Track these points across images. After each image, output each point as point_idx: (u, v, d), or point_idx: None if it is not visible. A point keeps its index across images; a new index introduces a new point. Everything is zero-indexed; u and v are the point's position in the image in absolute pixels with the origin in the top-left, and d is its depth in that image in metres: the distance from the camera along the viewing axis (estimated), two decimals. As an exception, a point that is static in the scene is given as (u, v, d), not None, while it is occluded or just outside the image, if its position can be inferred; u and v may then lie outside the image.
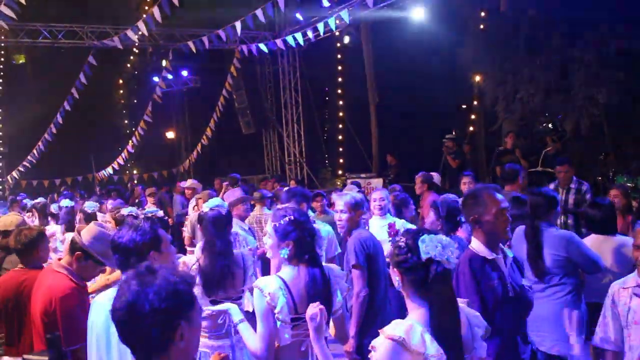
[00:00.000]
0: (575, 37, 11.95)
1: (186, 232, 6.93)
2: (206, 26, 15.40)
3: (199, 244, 4.08)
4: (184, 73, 18.24)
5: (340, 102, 17.68)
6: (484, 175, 12.42)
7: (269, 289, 2.76)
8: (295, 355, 2.81)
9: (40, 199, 9.13)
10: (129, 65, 20.48)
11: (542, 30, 12.29)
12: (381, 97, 16.15)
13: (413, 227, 4.59)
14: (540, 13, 12.42)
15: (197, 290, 3.79)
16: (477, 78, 14.64)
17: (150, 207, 7.66)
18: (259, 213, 7.09)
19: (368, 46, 15.80)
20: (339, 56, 17.47)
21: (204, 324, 3.70)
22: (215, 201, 4.45)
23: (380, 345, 2.05)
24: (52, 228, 6.94)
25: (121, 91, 22.65)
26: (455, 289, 3.08)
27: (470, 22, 14.35)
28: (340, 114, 17.71)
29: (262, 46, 14.15)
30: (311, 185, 16.13)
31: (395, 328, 2.06)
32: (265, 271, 5.62)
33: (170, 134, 19.84)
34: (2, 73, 19.91)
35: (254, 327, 2.86)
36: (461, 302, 2.28)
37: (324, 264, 2.99)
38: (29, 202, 10.01)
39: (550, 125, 12.82)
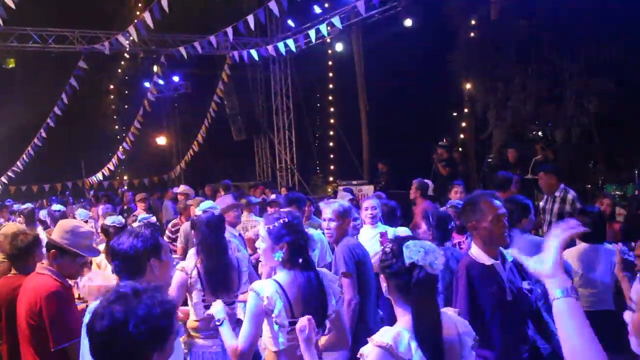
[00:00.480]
0: (566, 47, 12.05)
1: (179, 242, 6.77)
2: (198, 32, 15.39)
3: (192, 250, 4.05)
4: (176, 79, 18.20)
5: (332, 109, 17.73)
6: (474, 184, 12.45)
7: (266, 292, 2.74)
8: (293, 357, 2.78)
9: (28, 205, 9.04)
10: (119, 70, 20.41)
11: (533, 39, 12.38)
12: (372, 104, 16.18)
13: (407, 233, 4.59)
14: (531, 22, 12.51)
15: (196, 296, 3.77)
16: (468, 86, 14.71)
17: (141, 213, 7.61)
18: (246, 219, 7.06)
19: (359, 53, 15.84)
20: (330, 63, 17.52)
21: (196, 325, 3.71)
22: (207, 204, 4.43)
23: (368, 353, 2.06)
24: (41, 234, 6.86)
25: (112, 96, 22.54)
26: (454, 295, 3.10)
27: (462, 30, 14.42)
28: (332, 120, 17.75)
29: (254, 52, 14.15)
30: (302, 191, 16.10)
31: (383, 335, 2.06)
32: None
33: (161, 140, 19.75)
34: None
35: None
36: (451, 311, 2.28)
37: (317, 269, 2.99)
38: (17, 208, 9.92)
39: (540, 134, 12.89)
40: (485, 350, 2.95)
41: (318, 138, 20.49)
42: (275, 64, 17.44)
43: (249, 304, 2.77)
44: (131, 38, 13.23)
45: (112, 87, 21.87)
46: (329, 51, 16.94)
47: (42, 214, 8.54)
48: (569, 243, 4.80)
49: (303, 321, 2.53)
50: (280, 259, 2.84)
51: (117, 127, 22.59)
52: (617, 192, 9.43)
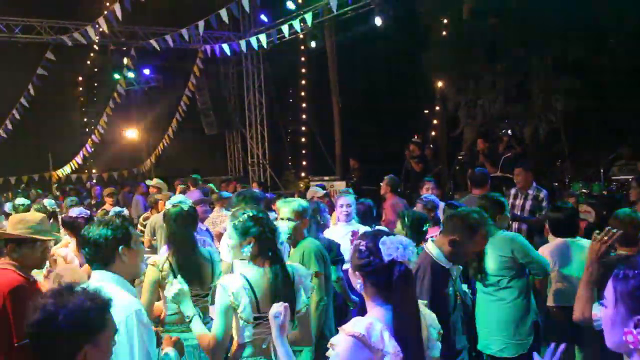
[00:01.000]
0: (535, 45, 12.23)
1: (146, 234, 6.67)
2: (169, 25, 15.21)
3: (164, 247, 4.02)
4: (146, 72, 17.95)
5: (304, 105, 17.71)
6: (445, 181, 12.58)
7: (232, 288, 2.76)
8: (256, 352, 2.82)
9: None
10: (89, 62, 20.02)
11: (502, 38, 12.54)
12: (345, 101, 16.22)
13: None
14: (501, 21, 12.67)
15: (168, 289, 3.74)
16: (440, 84, 14.84)
17: (111, 208, 7.53)
18: (217, 214, 7.01)
19: (332, 50, 15.85)
20: (303, 59, 17.49)
21: (171, 319, 3.71)
22: (178, 197, 4.40)
23: (340, 342, 2.06)
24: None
25: (80, 88, 22.13)
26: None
27: (434, 29, 14.54)
28: (304, 116, 17.73)
29: (226, 47, 14.04)
30: (274, 187, 16.08)
31: (355, 325, 2.06)
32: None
33: (131, 133, 19.46)
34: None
35: None
36: (421, 303, 2.31)
37: (288, 262, 3.01)
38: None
39: (509, 132, 13.07)
40: None
41: (290, 134, 20.43)
42: (248, 58, 17.34)
43: (218, 298, 2.80)
44: (101, 30, 13.02)
45: (80, 78, 21.46)
46: (302, 47, 16.90)
47: (8, 207, 8.36)
48: (532, 242, 4.90)
49: (278, 307, 2.52)
50: (248, 253, 2.84)
51: (85, 119, 22.18)
52: (584, 190, 9.61)
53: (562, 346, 2.08)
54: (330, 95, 16.17)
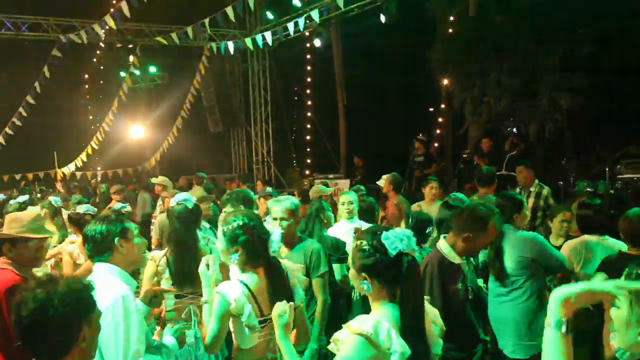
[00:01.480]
0: (541, 44, 12.19)
1: (153, 233, 6.66)
2: (175, 23, 15.23)
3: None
4: (152, 69, 17.99)
5: (309, 103, 17.70)
6: (450, 179, 12.56)
7: (233, 295, 2.72)
8: (263, 351, 2.81)
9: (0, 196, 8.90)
10: (95, 60, 20.09)
11: (509, 36, 12.50)
12: (350, 99, 16.21)
13: None
14: (507, 19, 12.63)
15: (166, 284, 3.77)
16: (445, 81, 14.80)
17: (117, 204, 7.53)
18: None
19: (338, 47, 15.84)
20: (308, 57, 17.47)
21: (171, 316, 3.68)
22: (182, 195, 4.41)
23: (347, 340, 2.05)
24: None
25: (86, 86, 22.21)
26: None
27: (440, 26, 14.50)
28: (309, 114, 17.72)
29: (231, 45, 14.05)
30: (279, 185, 16.08)
31: (362, 323, 2.05)
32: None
33: (136, 131, 19.50)
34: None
35: None
36: (425, 299, 2.30)
37: (280, 261, 2.97)
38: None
39: (515, 130, 13.03)
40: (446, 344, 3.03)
41: (295, 131, 20.45)
42: (254, 56, 17.34)
43: (216, 306, 2.75)
44: (107, 27, 13.04)
45: (86, 76, 21.53)
46: (308, 45, 16.89)
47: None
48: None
49: (283, 306, 2.48)
50: (235, 261, 2.82)
51: (91, 117, 22.27)
52: (589, 189, 9.58)
53: None
54: (336, 93, 16.15)
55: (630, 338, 1.57)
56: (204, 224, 5.52)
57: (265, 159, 17.47)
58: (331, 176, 13.51)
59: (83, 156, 17.98)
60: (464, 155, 12.43)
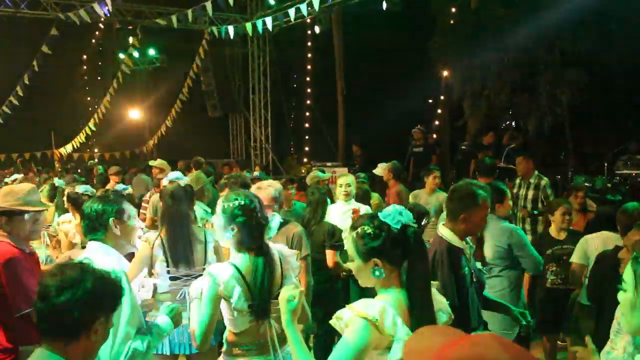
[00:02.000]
0: (542, 37, 12.16)
1: (148, 212, 6.64)
2: (176, 5, 15.11)
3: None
4: (151, 52, 17.88)
5: (309, 90, 17.64)
6: (448, 170, 12.56)
7: (222, 277, 2.69)
8: (254, 337, 2.79)
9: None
10: (93, 40, 19.95)
11: (510, 29, 12.46)
12: (349, 87, 16.17)
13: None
14: (509, 12, 12.59)
15: (160, 267, 3.75)
16: (445, 73, 14.77)
17: (114, 187, 7.51)
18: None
19: (338, 36, 15.77)
20: (309, 44, 17.40)
21: (166, 297, 3.68)
22: (174, 174, 4.37)
23: (351, 322, 2.04)
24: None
25: (85, 67, 22.08)
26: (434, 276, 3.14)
27: (441, 17, 14.45)
28: (308, 101, 17.67)
29: (231, 29, 13.96)
30: (276, 171, 16.07)
31: (367, 307, 2.04)
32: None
33: (134, 113, 19.46)
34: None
35: None
36: (434, 286, 2.29)
37: (273, 245, 2.94)
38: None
39: (513, 124, 13.04)
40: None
41: (294, 119, 20.41)
42: (254, 41, 17.25)
43: (205, 288, 2.71)
44: (107, 7, 12.93)
45: (85, 57, 21.39)
46: (309, 32, 16.82)
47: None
48: (592, 228, 4.84)
49: (292, 291, 2.36)
50: (229, 239, 2.79)
51: (89, 98, 22.17)
52: (587, 184, 9.58)
53: None
54: (335, 81, 16.10)
55: (636, 320, 1.57)
56: (204, 207, 5.49)
57: (264, 145, 17.43)
58: (329, 164, 13.50)
59: (81, 137, 17.92)
60: (462, 147, 12.42)
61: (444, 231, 3.21)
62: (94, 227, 2.81)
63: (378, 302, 2.08)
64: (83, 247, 4.74)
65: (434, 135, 14.07)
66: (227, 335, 2.87)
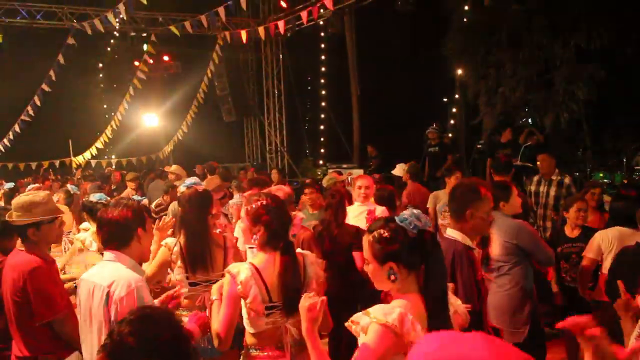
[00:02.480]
0: (557, 33, 12.04)
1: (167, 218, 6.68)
2: (189, 11, 15.21)
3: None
4: (166, 58, 18.01)
5: (323, 92, 17.64)
6: (464, 169, 12.48)
7: (241, 276, 2.70)
8: (272, 338, 2.79)
9: (9, 185, 8.99)
10: (109, 48, 20.16)
11: (525, 25, 12.35)
12: (363, 88, 16.13)
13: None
14: (523, 8, 12.48)
15: (178, 272, 3.76)
16: (460, 71, 14.68)
17: (131, 194, 7.56)
18: (237, 201, 7.04)
19: (351, 37, 15.75)
20: (322, 46, 17.41)
21: (184, 302, 3.70)
22: (191, 180, 4.39)
23: (370, 329, 2.04)
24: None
25: (101, 75, 22.31)
26: (452, 279, 3.08)
27: (455, 15, 14.36)
28: (323, 103, 17.67)
29: (244, 34, 14.02)
30: (292, 174, 16.09)
31: (386, 314, 2.04)
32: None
33: (150, 120, 19.59)
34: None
35: None
36: (450, 289, 2.28)
37: (298, 251, 2.95)
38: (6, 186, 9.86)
39: (530, 121, 12.91)
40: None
41: (308, 121, 20.42)
42: (267, 45, 17.30)
43: (225, 287, 2.74)
44: (121, 16, 13.06)
45: (100, 65, 21.61)
46: (322, 34, 16.83)
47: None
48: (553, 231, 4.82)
49: (313, 299, 2.32)
50: (256, 241, 2.81)
51: (105, 106, 22.38)
52: (606, 180, 9.49)
53: None
54: (349, 83, 16.09)
55: None
56: (223, 210, 5.51)
57: (279, 149, 17.46)
58: (344, 166, 13.50)
59: (98, 144, 18.10)
60: (478, 146, 12.34)
61: (453, 233, 3.17)
62: (118, 236, 2.79)
63: (396, 308, 2.07)
64: (102, 254, 4.82)
65: (449, 135, 13.99)
66: (246, 336, 2.88)
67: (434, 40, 14.44)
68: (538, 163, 7.08)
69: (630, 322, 2.54)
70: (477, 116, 14.21)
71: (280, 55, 17.33)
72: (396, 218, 2.16)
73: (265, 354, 2.80)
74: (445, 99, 17.30)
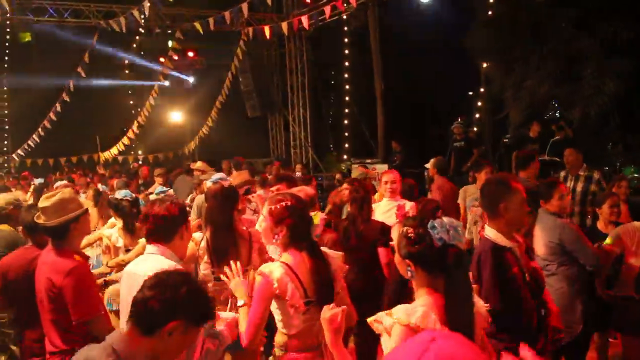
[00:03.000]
0: (584, 26, 11.83)
1: (192, 214, 6.54)
2: (213, 7, 15.29)
3: None
4: (190, 54, 18.14)
5: (347, 87, 17.60)
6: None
7: (276, 275, 2.70)
8: (309, 338, 2.79)
9: (39, 180, 9.15)
10: (135, 45, 20.35)
11: (550, 18, 12.16)
12: (387, 83, 16.05)
13: None
14: (549, 1, 12.29)
15: (205, 267, 3.80)
16: (485, 65, 14.52)
17: (160, 188, 7.62)
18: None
19: (375, 31, 15.66)
20: (346, 40, 17.35)
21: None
22: (217, 175, 4.42)
23: (393, 331, 2.05)
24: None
25: (127, 71, 22.54)
26: (477, 279, 3.06)
27: (479, 9, 14.20)
28: (347, 98, 17.63)
29: (267, 29, 14.05)
30: (316, 169, 16.11)
31: (409, 315, 2.04)
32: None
33: (175, 116, 19.79)
34: (8, 51, 19.85)
35: None
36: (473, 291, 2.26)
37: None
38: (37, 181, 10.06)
39: (557, 114, 12.72)
40: (503, 334, 2.97)
41: (332, 116, 20.39)
42: (291, 41, 17.30)
43: (258, 288, 2.73)
44: (146, 13, 13.18)
45: (127, 61, 21.84)
46: (345, 28, 16.77)
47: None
48: (584, 226, 4.74)
49: (334, 311, 2.34)
50: (278, 241, 2.81)
51: (132, 102, 22.63)
52: (635, 175, 9.32)
53: None
54: (373, 77, 16.02)
55: None
56: (249, 207, 5.52)
57: (303, 143, 17.49)
58: (368, 161, 13.45)
59: (125, 140, 18.33)
60: (505, 140, 12.20)
61: (489, 232, 3.13)
62: (162, 232, 2.91)
63: (419, 308, 2.07)
64: (127, 250, 4.89)
65: (475, 129, 13.85)
66: (278, 337, 2.86)
67: (459, 34, 14.30)
68: (564, 158, 6.96)
69: None
70: (503, 110, 14.05)
71: (304, 50, 17.32)
72: (430, 222, 2.14)
73: (302, 354, 2.79)
74: (470, 93, 17.13)
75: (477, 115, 15.46)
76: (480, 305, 2.28)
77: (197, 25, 13.99)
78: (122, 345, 1.88)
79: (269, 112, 18.17)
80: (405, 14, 14.21)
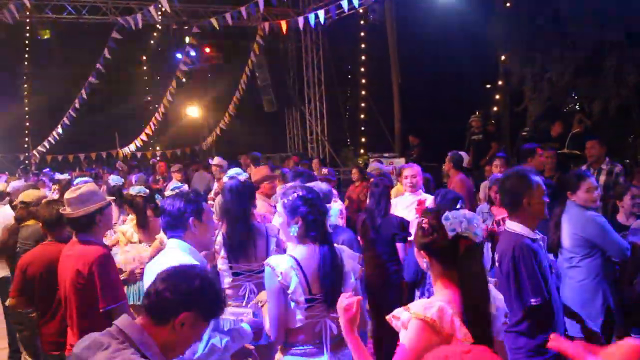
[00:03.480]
0: (605, 17, 11.63)
1: (216, 214, 6.70)
2: (230, 3, 15.30)
3: None
4: (207, 50, 18.19)
5: (363, 81, 17.52)
6: (509, 159, 12.21)
7: (281, 267, 2.72)
8: (309, 336, 2.77)
9: (65, 175, 9.25)
10: (152, 41, 20.48)
11: (571, 9, 11.98)
12: (404, 76, 15.95)
13: None
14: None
15: (222, 262, 3.81)
16: (503, 57, 14.36)
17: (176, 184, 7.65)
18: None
19: (392, 24, 15.57)
20: (362, 34, 17.27)
21: (228, 292, 3.74)
22: (234, 170, 4.43)
23: (410, 324, 2.04)
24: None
25: (144, 67, 22.70)
26: (513, 274, 3.05)
27: (497, 0, 14.05)
28: (363, 92, 17.56)
29: (283, 24, 14.03)
30: (333, 164, 16.08)
31: (425, 309, 2.03)
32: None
33: (192, 111, 19.88)
34: (27, 48, 20.06)
35: None
36: (490, 283, 2.24)
37: (335, 245, 2.93)
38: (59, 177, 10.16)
39: (577, 107, 12.55)
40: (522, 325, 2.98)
41: (349, 110, 20.34)
42: (307, 35, 17.27)
43: (267, 282, 2.75)
44: (163, 9, 13.23)
45: (144, 58, 21.98)
46: (362, 22, 16.69)
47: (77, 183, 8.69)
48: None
49: (349, 300, 2.28)
50: (295, 233, 2.80)
51: (149, 98, 22.79)
52: (658, 168, 9.15)
53: None
54: (390, 71, 15.94)
55: None
56: (270, 202, 5.48)
57: (320, 138, 17.47)
58: (386, 155, 13.38)
59: (143, 136, 18.47)
60: (523, 134, 12.06)
61: (513, 225, 3.12)
62: (174, 225, 2.95)
63: (436, 302, 2.06)
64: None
65: (493, 122, 13.72)
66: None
67: (477, 26, 14.16)
68: (586, 151, 6.84)
69: None
70: (522, 103, 13.90)
71: (320, 45, 17.28)
72: (445, 213, 2.13)
73: (303, 349, 2.79)
74: (488, 86, 16.97)
75: (496, 109, 15.32)
76: (500, 299, 2.26)
77: (214, 21, 14.01)
78: (135, 334, 1.88)
79: (285, 107, 18.17)
80: (422, 6, 14.09)
